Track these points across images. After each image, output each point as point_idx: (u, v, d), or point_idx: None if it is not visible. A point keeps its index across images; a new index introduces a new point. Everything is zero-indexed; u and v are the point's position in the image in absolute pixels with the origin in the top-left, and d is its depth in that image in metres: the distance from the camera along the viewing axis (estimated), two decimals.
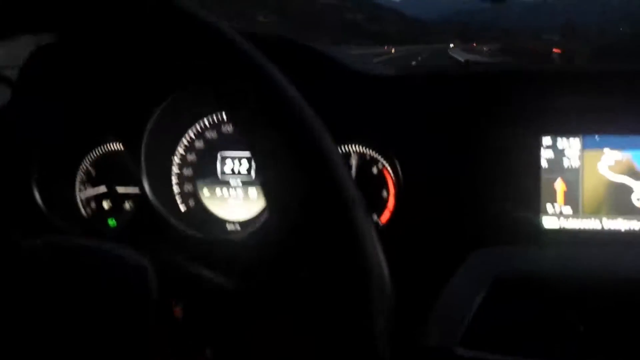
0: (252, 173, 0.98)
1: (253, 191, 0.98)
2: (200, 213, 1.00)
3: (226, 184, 0.99)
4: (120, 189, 1.02)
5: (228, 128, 0.99)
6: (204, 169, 1.00)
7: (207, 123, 0.99)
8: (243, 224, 0.98)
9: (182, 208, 1.00)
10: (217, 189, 1.00)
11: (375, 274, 0.39)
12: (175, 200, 1.00)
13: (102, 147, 1.02)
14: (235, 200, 0.99)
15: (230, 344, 0.48)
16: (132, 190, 1.01)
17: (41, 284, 0.46)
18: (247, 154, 0.98)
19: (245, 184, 0.98)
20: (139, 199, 0.96)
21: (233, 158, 0.99)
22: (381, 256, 0.39)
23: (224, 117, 0.98)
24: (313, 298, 0.40)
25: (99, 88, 0.95)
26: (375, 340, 0.38)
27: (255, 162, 0.42)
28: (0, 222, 0.92)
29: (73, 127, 0.99)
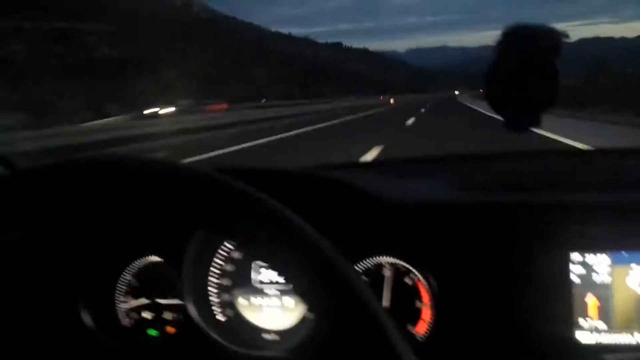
0: (289, 282, 1.01)
1: (289, 300, 1.01)
2: (239, 323, 1.02)
3: (262, 292, 1.02)
4: (162, 301, 1.05)
5: None
6: (240, 279, 1.03)
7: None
8: (281, 334, 1.00)
9: (221, 318, 1.02)
10: (253, 298, 1.02)
11: None
12: (212, 312, 1.02)
13: (143, 259, 1.05)
14: (272, 309, 1.01)
15: None
16: (173, 301, 1.04)
17: None
18: None
19: (282, 292, 1.01)
20: (181, 312, 0.99)
21: (267, 267, 1.02)
22: None
23: None
24: None
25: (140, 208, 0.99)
26: None
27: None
28: (46, 337, 0.95)
29: (115, 242, 1.03)
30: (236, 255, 1.03)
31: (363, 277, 0.96)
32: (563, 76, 0.78)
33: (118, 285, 1.06)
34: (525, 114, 0.83)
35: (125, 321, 1.06)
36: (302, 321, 0.99)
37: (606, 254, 0.82)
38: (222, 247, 1.03)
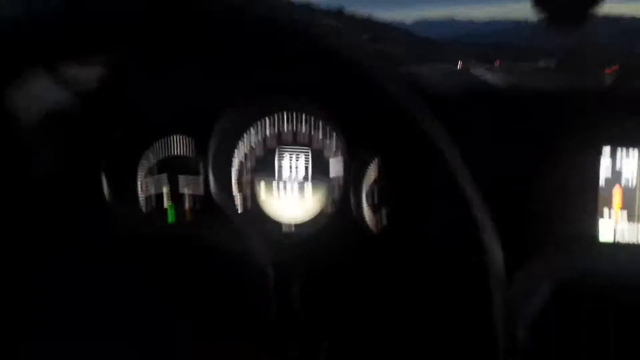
0: (309, 173, 1.00)
1: (309, 192, 1.00)
2: (257, 214, 1.02)
3: (283, 182, 1.02)
4: (182, 188, 1.05)
5: (288, 126, 1.01)
6: (262, 165, 1.02)
7: (267, 120, 1.01)
8: (298, 226, 1.01)
9: (240, 208, 1.02)
10: (274, 185, 1.02)
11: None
12: (233, 199, 1.02)
13: (163, 138, 1.05)
14: (291, 200, 1.01)
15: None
16: (193, 182, 1.03)
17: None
18: (306, 150, 1.00)
19: (302, 184, 1.01)
20: (201, 198, 0.99)
21: (292, 155, 1.01)
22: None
23: (284, 115, 1.01)
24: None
25: (169, 87, 0.98)
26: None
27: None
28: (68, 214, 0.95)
29: (141, 122, 1.02)
30: (258, 140, 1.02)
31: None
32: None
33: (141, 168, 1.06)
34: (572, 6, 0.80)
35: (146, 206, 1.06)
36: (320, 214, 0.99)
37: (638, 148, 0.80)
38: (246, 132, 1.02)
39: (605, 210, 0.82)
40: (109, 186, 1.01)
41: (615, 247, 0.81)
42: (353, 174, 0.94)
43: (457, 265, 0.44)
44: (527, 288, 0.75)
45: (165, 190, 1.06)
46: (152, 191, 1.06)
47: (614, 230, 0.82)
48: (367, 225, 0.95)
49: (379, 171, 0.94)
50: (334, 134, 0.98)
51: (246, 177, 1.03)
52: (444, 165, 0.45)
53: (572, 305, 0.75)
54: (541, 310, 0.73)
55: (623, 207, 0.82)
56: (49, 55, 0.53)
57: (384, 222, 0.94)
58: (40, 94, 1.01)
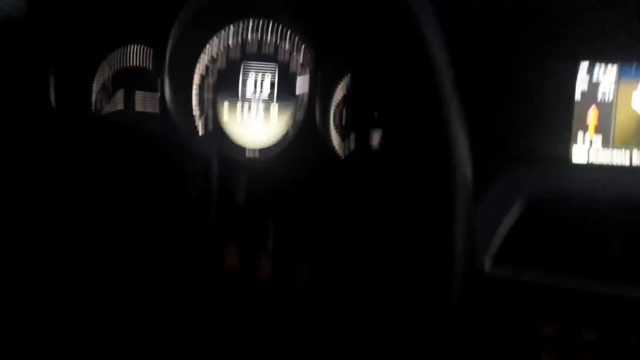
0: (275, 89, 0.94)
1: (275, 112, 0.94)
2: (219, 136, 0.96)
3: (247, 101, 0.96)
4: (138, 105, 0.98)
5: (253, 36, 0.94)
6: (226, 82, 0.95)
7: (231, 29, 0.95)
8: (262, 152, 0.95)
9: (202, 130, 0.96)
10: (238, 108, 0.96)
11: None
12: (194, 122, 0.96)
13: (120, 49, 0.97)
14: (254, 123, 0.95)
15: None
16: (150, 99, 0.97)
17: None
18: (272, 65, 0.94)
19: (267, 102, 0.95)
20: (160, 104, 0.93)
21: (257, 71, 0.95)
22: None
23: (248, 24, 0.94)
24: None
25: None
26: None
27: None
28: (14, 118, 0.88)
29: (96, 27, 0.94)
30: (221, 50, 0.95)
31: None
32: None
33: (96, 77, 0.99)
34: None
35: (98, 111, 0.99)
36: (283, 138, 0.94)
37: (616, 64, 0.77)
38: (208, 44, 0.95)
39: (580, 133, 0.79)
40: (58, 95, 0.94)
41: (589, 168, 0.79)
42: (321, 93, 0.89)
43: (425, 183, 0.40)
44: (496, 207, 0.71)
45: (120, 108, 0.99)
46: (107, 107, 0.99)
47: (588, 153, 0.79)
48: (334, 149, 0.90)
49: (348, 89, 0.89)
50: (303, 46, 0.92)
51: (208, 95, 0.96)
52: (427, 79, 0.41)
53: (542, 226, 0.72)
54: (510, 230, 0.70)
55: (598, 131, 0.79)
56: None
57: (352, 145, 0.89)
58: None
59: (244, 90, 0.95)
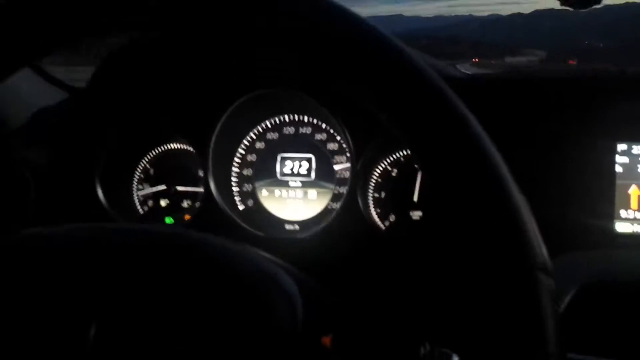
0: (312, 174, 0.94)
1: (313, 192, 0.94)
2: (259, 213, 0.95)
3: (285, 184, 0.95)
4: (180, 188, 0.98)
5: (289, 130, 0.95)
6: (264, 170, 0.96)
7: (268, 124, 0.95)
8: (302, 224, 0.94)
9: (241, 207, 0.96)
10: (276, 190, 0.95)
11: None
12: (234, 200, 0.96)
13: (161, 147, 0.98)
14: (294, 200, 0.95)
15: None
16: (192, 189, 0.97)
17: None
18: (307, 155, 0.94)
19: (305, 185, 0.94)
20: (202, 198, 0.92)
21: (293, 159, 0.95)
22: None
23: (285, 119, 0.94)
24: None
25: (167, 92, 0.91)
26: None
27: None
28: (65, 218, 0.88)
29: (137, 128, 0.95)
30: (260, 145, 0.96)
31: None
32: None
33: (137, 171, 0.99)
34: None
35: (143, 209, 0.99)
36: (323, 212, 0.92)
37: None
38: (248, 136, 0.95)
39: (623, 211, 0.77)
40: (104, 193, 0.94)
41: (632, 242, 0.76)
42: (360, 171, 0.88)
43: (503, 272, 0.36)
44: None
45: (163, 204, 0.99)
46: (150, 204, 0.99)
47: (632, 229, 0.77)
48: (375, 223, 0.89)
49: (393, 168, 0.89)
50: (339, 137, 0.92)
51: (247, 187, 0.96)
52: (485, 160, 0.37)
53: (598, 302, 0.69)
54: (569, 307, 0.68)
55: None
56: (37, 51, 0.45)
57: (393, 219, 0.88)
58: (29, 91, 0.94)
59: (282, 177, 0.95)
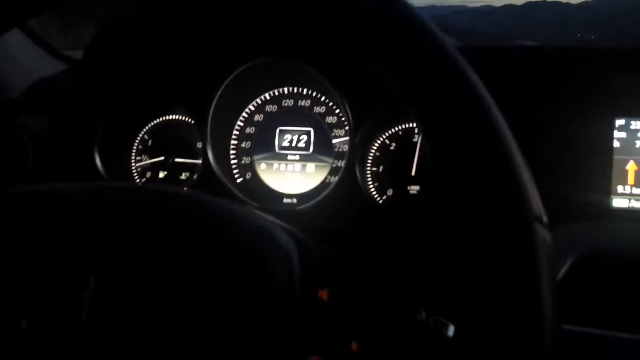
0: (311, 147, 0.93)
1: (311, 166, 0.93)
2: (257, 185, 0.95)
3: (283, 157, 0.94)
4: (179, 159, 0.97)
5: (288, 102, 0.94)
6: (262, 143, 0.95)
7: (267, 97, 0.94)
8: (299, 197, 0.93)
9: (239, 180, 0.95)
10: (274, 163, 0.95)
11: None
12: (232, 172, 0.95)
13: (160, 118, 0.97)
14: (292, 174, 0.94)
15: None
16: (190, 160, 0.96)
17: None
18: (305, 128, 0.93)
19: (303, 158, 0.94)
20: (200, 169, 0.92)
21: (292, 132, 0.94)
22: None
23: (284, 91, 0.94)
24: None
25: (166, 62, 0.90)
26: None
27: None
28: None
29: (136, 99, 0.94)
30: (259, 118, 0.95)
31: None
32: None
33: (135, 142, 0.98)
34: None
35: (141, 180, 0.98)
36: (321, 186, 0.92)
37: None
38: (246, 109, 0.94)
39: (620, 187, 0.77)
40: (103, 163, 0.93)
41: (628, 216, 0.77)
42: (359, 145, 0.87)
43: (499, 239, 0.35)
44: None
45: (161, 175, 0.98)
46: (148, 175, 0.98)
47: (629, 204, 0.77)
48: (372, 196, 0.89)
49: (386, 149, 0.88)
50: (338, 110, 0.91)
51: (245, 159, 0.95)
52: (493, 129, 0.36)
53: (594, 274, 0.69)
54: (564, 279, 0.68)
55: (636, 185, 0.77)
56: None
57: (391, 193, 0.88)
58: (28, 61, 0.93)
59: (280, 150, 0.94)
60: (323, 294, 0.41)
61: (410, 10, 0.35)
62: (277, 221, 0.44)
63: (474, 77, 0.35)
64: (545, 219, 0.34)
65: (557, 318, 0.35)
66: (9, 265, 0.41)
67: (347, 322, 0.43)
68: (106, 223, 0.42)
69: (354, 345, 0.41)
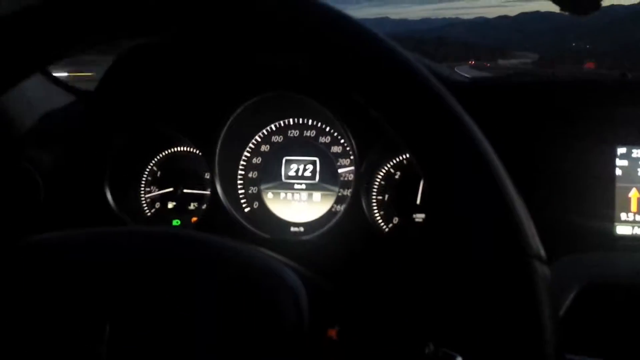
0: (317, 177, 0.94)
1: (317, 195, 0.94)
2: (264, 214, 0.95)
3: (290, 187, 0.95)
4: (187, 190, 0.97)
5: (294, 133, 0.95)
6: (269, 172, 0.95)
7: (273, 127, 0.95)
8: (306, 226, 0.94)
9: (246, 209, 0.95)
10: (281, 192, 0.95)
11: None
12: (240, 202, 0.95)
13: (168, 150, 0.98)
14: (299, 203, 0.95)
15: None
16: (199, 191, 0.97)
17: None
18: (311, 158, 0.94)
19: (309, 187, 0.94)
20: (209, 200, 0.92)
21: (298, 162, 0.95)
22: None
23: (290, 122, 0.94)
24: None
25: (174, 96, 0.91)
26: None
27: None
28: (74, 220, 0.87)
29: (145, 131, 0.94)
30: (265, 148, 0.96)
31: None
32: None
33: (144, 174, 0.98)
34: None
35: (150, 211, 0.99)
36: (328, 215, 0.92)
37: None
38: (253, 139, 0.95)
39: (623, 214, 0.78)
40: (113, 195, 0.93)
41: (632, 244, 0.77)
42: (364, 174, 0.88)
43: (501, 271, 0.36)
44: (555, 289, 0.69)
45: (170, 206, 0.99)
46: (158, 206, 0.99)
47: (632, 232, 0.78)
48: (378, 225, 0.89)
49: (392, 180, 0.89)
50: (343, 140, 0.92)
51: (252, 189, 0.96)
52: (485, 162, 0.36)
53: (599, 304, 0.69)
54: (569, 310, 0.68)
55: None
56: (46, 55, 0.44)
57: (397, 221, 0.88)
58: (38, 94, 0.94)
59: (287, 180, 0.95)
60: (332, 333, 0.42)
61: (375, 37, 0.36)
62: (284, 259, 0.45)
63: (460, 110, 0.36)
64: (543, 254, 0.35)
65: (559, 349, 0.35)
66: (25, 317, 0.41)
67: (357, 358, 0.44)
68: (117, 272, 0.42)
69: None
